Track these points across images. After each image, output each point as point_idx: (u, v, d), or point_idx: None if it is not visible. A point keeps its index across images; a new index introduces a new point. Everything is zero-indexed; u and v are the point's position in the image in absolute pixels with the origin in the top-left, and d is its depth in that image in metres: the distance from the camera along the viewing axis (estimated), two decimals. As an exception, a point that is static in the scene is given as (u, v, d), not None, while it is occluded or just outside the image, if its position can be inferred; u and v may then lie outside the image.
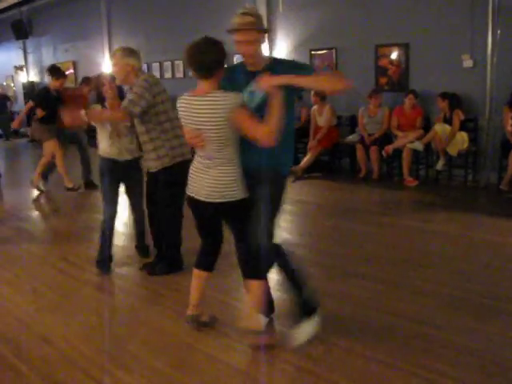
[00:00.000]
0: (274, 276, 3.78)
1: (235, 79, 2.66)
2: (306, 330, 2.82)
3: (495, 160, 6.32)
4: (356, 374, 2.53)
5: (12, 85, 15.92)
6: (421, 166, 6.97)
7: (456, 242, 4.47)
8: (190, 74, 2.68)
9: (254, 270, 2.69)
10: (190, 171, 2.77)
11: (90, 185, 7.10)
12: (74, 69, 13.42)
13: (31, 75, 15.16)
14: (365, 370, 2.56)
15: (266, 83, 2.49)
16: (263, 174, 2.63)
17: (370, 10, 7.36)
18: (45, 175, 7.05)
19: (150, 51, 9.86)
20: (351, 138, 7.48)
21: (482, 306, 3.18)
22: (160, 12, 10.51)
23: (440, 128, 6.39)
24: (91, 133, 4.62)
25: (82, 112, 3.36)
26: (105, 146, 3.85)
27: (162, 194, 3.70)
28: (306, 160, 7.38)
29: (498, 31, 6.10)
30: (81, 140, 7.15)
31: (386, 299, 3.34)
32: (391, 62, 7.30)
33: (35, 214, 6.24)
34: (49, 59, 13.96)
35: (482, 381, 2.44)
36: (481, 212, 5.52)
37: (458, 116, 6.29)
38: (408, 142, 6.65)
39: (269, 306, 2.98)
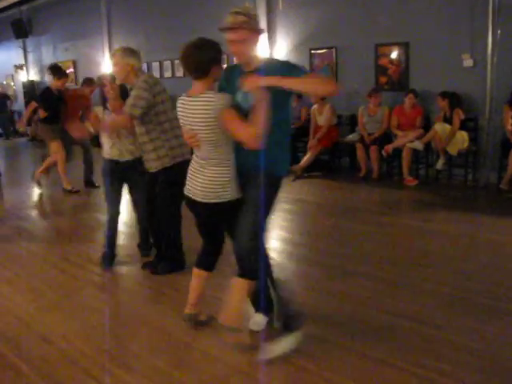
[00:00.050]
0: (273, 275, 3.79)
1: (232, 79, 2.65)
2: (283, 344, 2.71)
3: (495, 159, 6.32)
4: (356, 373, 2.53)
5: (12, 84, 15.92)
6: (421, 166, 6.97)
7: (456, 241, 4.47)
8: (187, 73, 2.69)
9: (241, 268, 2.67)
10: (188, 171, 2.78)
11: (89, 184, 7.13)
12: (74, 68, 13.42)
13: (31, 74, 15.16)
14: (364, 369, 2.56)
15: (250, 84, 2.45)
16: (255, 175, 2.59)
17: (370, 9, 7.35)
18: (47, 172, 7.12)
19: (149, 50, 9.85)
20: (351, 137, 7.49)
21: (482, 306, 3.18)
22: (160, 11, 10.51)
23: (440, 127, 6.39)
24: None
25: (87, 124, 3.43)
26: (106, 147, 3.93)
27: (161, 194, 3.70)
28: (305, 159, 7.38)
29: (499, 31, 6.10)
30: (84, 140, 7.14)
31: (386, 298, 3.34)
32: (391, 61, 7.30)
33: (35, 213, 6.24)
34: (49, 58, 13.97)
35: (481, 380, 2.44)
36: (481, 211, 5.52)
37: (458, 115, 6.29)
38: (408, 141, 6.65)
39: (268, 305, 2.98)
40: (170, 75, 10.61)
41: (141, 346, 2.87)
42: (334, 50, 7.92)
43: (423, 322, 2.99)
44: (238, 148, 2.60)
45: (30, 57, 15.11)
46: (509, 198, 5.73)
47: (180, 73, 10.35)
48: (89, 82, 7.26)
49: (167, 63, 10.65)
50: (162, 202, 3.70)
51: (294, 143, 7.85)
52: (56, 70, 6.83)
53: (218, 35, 2.63)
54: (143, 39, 10.59)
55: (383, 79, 7.44)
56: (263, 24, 8.62)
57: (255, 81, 2.45)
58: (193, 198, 2.70)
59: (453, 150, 6.38)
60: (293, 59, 8.41)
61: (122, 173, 3.95)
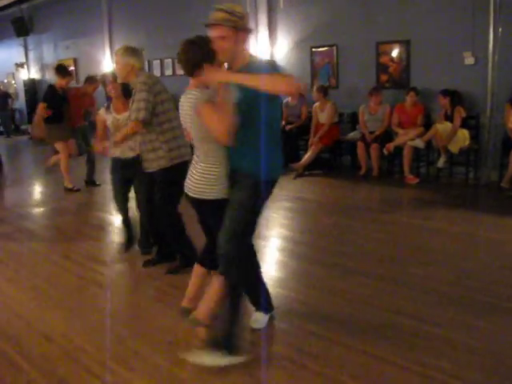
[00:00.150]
0: (274, 273, 3.80)
1: None
2: (213, 359, 2.59)
3: (496, 158, 6.31)
4: (356, 370, 2.53)
5: (13, 82, 15.92)
6: (421, 164, 6.96)
7: (457, 239, 4.47)
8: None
9: (220, 267, 2.67)
10: (189, 168, 2.80)
11: (90, 183, 7.17)
12: (75, 66, 13.41)
13: (32, 72, 15.16)
14: (365, 366, 2.56)
15: (209, 78, 2.47)
16: (237, 176, 2.59)
17: (370, 7, 7.34)
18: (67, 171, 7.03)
19: (150, 48, 9.84)
20: (352, 135, 7.48)
21: (483, 304, 3.19)
22: (161, 9, 10.50)
23: (441, 126, 6.38)
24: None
25: (108, 143, 3.95)
26: (110, 146, 4.01)
27: (159, 194, 3.70)
28: (306, 157, 7.37)
29: (500, 28, 6.09)
30: (87, 140, 7.15)
31: (387, 296, 3.34)
32: (392, 59, 7.29)
33: (36, 211, 6.25)
34: (50, 56, 13.97)
35: (481, 379, 2.45)
36: (482, 210, 5.52)
37: (460, 113, 6.28)
38: (409, 139, 6.64)
39: (268, 304, 2.99)
40: (170, 73, 10.60)
41: (142, 344, 2.88)
42: (334, 47, 7.91)
43: (423, 320, 2.99)
44: (231, 148, 2.56)
45: (31, 55, 15.11)
46: (510, 197, 5.72)
47: (181, 71, 10.34)
48: (91, 79, 7.23)
49: (168, 61, 10.64)
50: (160, 201, 3.70)
51: (295, 141, 7.86)
52: (61, 70, 6.83)
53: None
54: (144, 37, 10.58)
55: (384, 77, 7.43)
56: (264, 22, 8.63)
57: (213, 75, 2.46)
58: (189, 194, 2.73)
59: (454, 148, 6.38)
60: (294, 57, 8.44)
61: (125, 170, 4.08)
